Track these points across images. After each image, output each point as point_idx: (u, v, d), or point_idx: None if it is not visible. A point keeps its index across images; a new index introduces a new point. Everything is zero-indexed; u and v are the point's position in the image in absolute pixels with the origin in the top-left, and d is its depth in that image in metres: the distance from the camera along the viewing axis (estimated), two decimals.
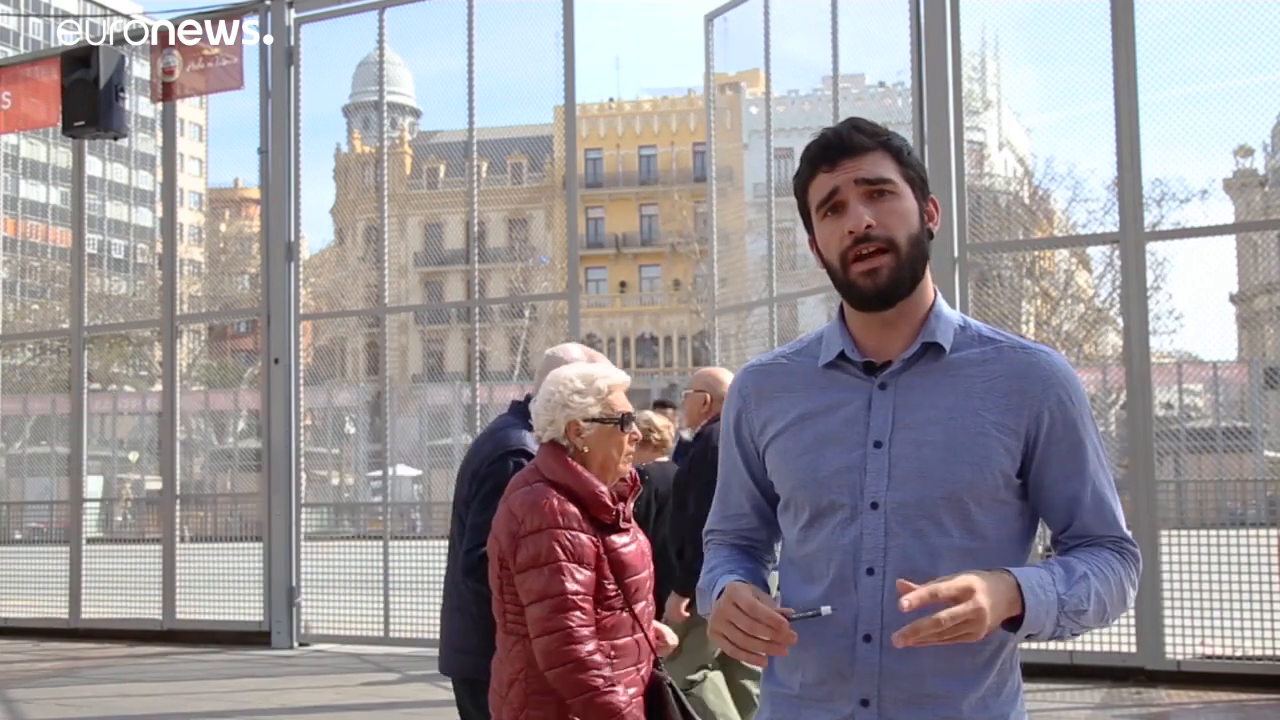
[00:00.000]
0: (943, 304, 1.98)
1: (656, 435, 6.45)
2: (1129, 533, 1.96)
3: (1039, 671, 8.50)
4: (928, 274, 1.96)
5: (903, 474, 1.88)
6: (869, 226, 1.88)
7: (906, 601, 1.70)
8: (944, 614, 1.70)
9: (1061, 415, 1.90)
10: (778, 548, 2.12)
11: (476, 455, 3.85)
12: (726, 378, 6.00)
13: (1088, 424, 1.93)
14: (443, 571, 4.02)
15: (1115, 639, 8.50)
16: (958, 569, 1.80)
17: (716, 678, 5.79)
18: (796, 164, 2.01)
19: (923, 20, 9.11)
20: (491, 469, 3.71)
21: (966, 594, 1.71)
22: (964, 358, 1.93)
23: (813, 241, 1.99)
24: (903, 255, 1.89)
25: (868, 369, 1.95)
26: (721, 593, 1.89)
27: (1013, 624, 1.79)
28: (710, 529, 2.16)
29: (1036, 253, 29.77)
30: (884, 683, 1.86)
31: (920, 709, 1.86)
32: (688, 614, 5.53)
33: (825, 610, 1.82)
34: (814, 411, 1.96)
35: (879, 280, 1.89)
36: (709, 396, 5.93)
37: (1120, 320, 10.32)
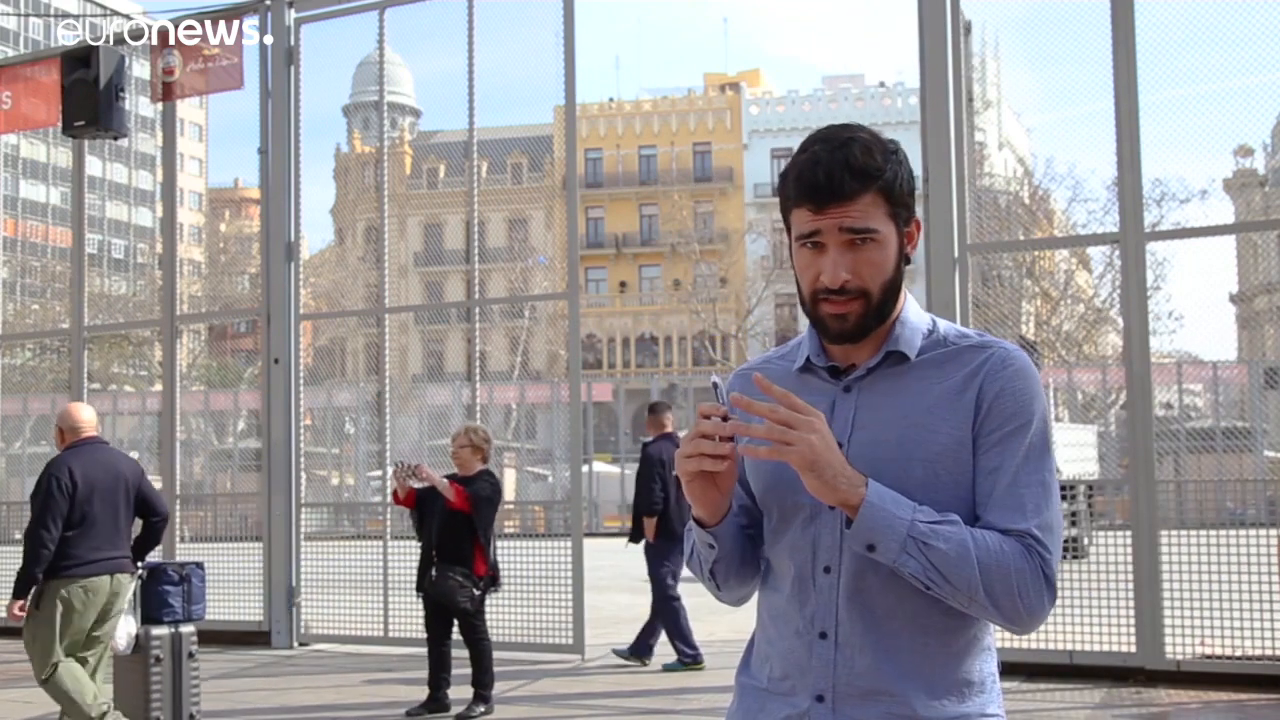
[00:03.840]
0: (910, 310, 1.98)
1: (489, 446, 8.11)
2: (1041, 534, 1.85)
3: (1039, 671, 8.51)
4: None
5: None
6: (845, 282, 1.88)
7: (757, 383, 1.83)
8: (776, 409, 1.79)
9: (999, 407, 1.89)
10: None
11: None
12: (83, 410, 6.92)
13: (1028, 419, 1.89)
14: None
15: (1115, 639, 8.51)
16: None
17: (70, 665, 6.55)
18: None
19: (924, 20, 9.11)
20: None
21: (809, 413, 1.80)
22: (926, 360, 1.96)
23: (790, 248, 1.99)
24: (874, 302, 1.91)
25: (833, 373, 1.99)
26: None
27: (849, 523, 1.82)
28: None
29: (1036, 253, 29.77)
30: (838, 679, 1.89)
31: (875, 705, 1.88)
32: (22, 614, 6.40)
33: (714, 379, 1.99)
34: None
35: (846, 325, 1.91)
36: (62, 428, 6.74)
37: (1120, 320, 10.32)
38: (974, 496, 1.90)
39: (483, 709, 7.92)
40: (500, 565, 8.27)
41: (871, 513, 1.79)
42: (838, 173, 1.85)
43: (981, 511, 1.89)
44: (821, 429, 1.79)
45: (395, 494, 8.13)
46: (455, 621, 8.01)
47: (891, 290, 1.93)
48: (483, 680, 7.95)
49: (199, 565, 7.29)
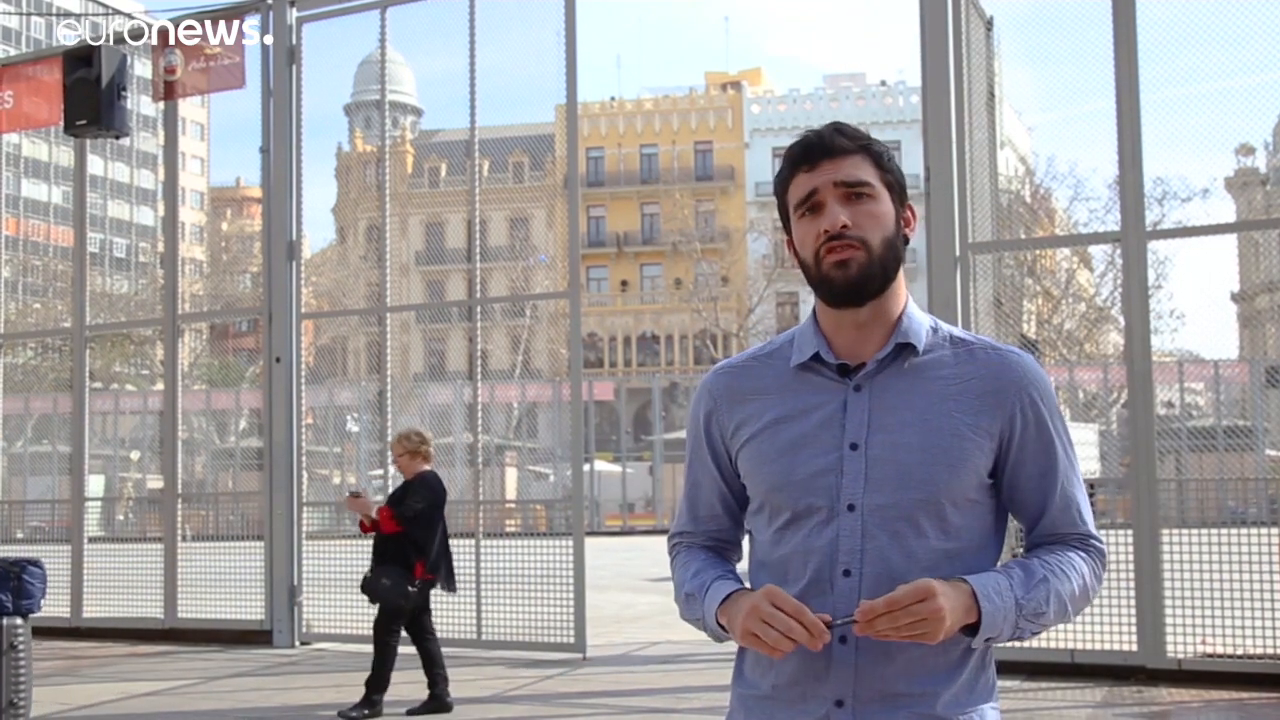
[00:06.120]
0: (914, 308, 2.00)
1: (426, 447, 8.06)
2: (1094, 529, 2.00)
3: (1040, 670, 8.51)
4: (901, 278, 1.98)
5: (880, 476, 1.90)
6: (844, 226, 1.90)
7: (859, 613, 1.77)
8: (901, 610, 1.75)
9: (1034, 415, 1.94)
10: (744, 547, 2.14)
11: None
12: None
13: (1057, 423, 1.97)
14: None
15: (1116, 638, 8.50)
16: (934, 570, 1.84)
17: None
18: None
19: (925, 17, 9.11)
20: None
21: (926, 594, 1.76)
22: (937, 359, 1.96)
23: (790, 243, 2.01)
24: (875, 254, 1.92)
25: (841, 371, 1.97)
26: (726, 596, 1.94)
27: (970, 630, 1.84)
28: (680, 530, 2.16)
29: (1038, 251, 29.74)
30: (859, 684, 1.88)
31: (895, 708, 1.88)
32: None
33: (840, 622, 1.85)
34: (789, 414, 1.97)
35: (849, 272, 1.90)
36: None
37: (1121, 319, 10.31)
38: (1013, 494, 1.97)
39: (434, 704, 7.97)
40: (456, 567, 8.28)
41: (988, 621, 1.83)
42: (828, 133, 1.97)
43: (1038, 515, 1.98)
44: (941, 597, 1.77)
45: (362, 523, 8.20)
46: (421, 620, 8.09)
47: (891, 251, 1.94)
48: (433, 676, 7.99)
49: (34, 563, 7.49)
